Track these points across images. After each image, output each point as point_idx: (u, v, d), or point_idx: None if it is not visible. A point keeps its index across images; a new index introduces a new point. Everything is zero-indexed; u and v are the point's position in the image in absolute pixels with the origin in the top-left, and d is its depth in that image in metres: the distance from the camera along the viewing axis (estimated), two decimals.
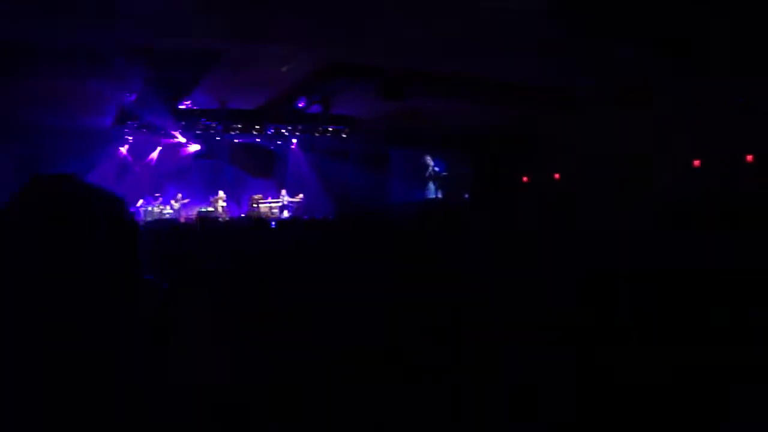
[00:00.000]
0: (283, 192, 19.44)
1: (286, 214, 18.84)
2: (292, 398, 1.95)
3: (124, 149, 18.05)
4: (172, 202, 18.32)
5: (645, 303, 2.71)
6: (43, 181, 1.32)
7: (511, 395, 2.09)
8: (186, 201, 18.47)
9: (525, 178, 21.74)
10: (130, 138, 17.60)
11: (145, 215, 17.60)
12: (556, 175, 20.82)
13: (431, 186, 22.15)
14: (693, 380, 2.05)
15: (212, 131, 16.32)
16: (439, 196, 22.18)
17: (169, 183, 19.20)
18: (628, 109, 14.93)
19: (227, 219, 16.56)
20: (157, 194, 18.64)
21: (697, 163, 16.07)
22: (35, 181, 1.32)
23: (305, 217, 18.02)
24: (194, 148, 18.81)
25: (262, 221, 13.51)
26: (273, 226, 9.77)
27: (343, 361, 2.22)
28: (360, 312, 2.79)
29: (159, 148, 18.74)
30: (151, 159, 18.93)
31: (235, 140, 18.68)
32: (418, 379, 2.16)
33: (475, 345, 2.51)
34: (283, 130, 17.17)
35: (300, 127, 16.96)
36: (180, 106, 15.36)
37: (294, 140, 19.31)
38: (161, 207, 18.19)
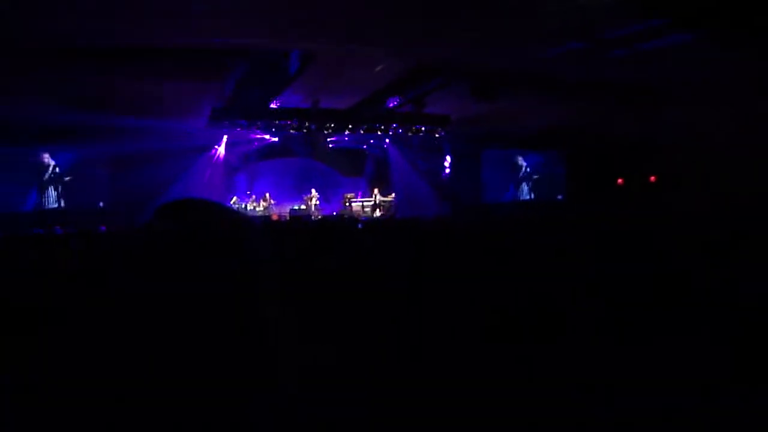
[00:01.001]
0: (375, 191, 19.51)
1: (378, 212, 18.90)
2: None
3: (219, 148, 18.42)
4: (261, 200, 18.66)
5: None
6: (177, 203, 1.39)
7: None
8: (273, 202, 18.79)
9: (620, 180, 21.18)
10: (224, 137, 17.96)
11: None
12: (652, 178, 20.19)
13: (524, 187, 21.80)
14: None
15: (305, 130, 16.46)
16: (532, 197, 21.82)
17: (261, 181, 19.56)
18: (729, 108, 14.25)
19: (319, 217, 16.74)
20: (248, 191, 19.04)
21: None
22: (169, 203, 1.35)
23: (397, 216, 18.07)
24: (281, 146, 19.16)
25: (353, 220, 13.58)
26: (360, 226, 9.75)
27: None
28: None
29: (253, 147, 19.07)
30: (244, 157, 19.30)
31: (328, 139, 18.84)
32: None
33: None
34: (377, 130, 17.14)
35: (393, 126, 16.90)
36: (272, 106, 15.54)
37: (387, 140, 19.33)
38: (254, 204, 18.57)
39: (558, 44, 10.60)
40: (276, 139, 18.47)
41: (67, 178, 16.58)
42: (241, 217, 1.40)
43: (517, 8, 8.97)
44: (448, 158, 20.27)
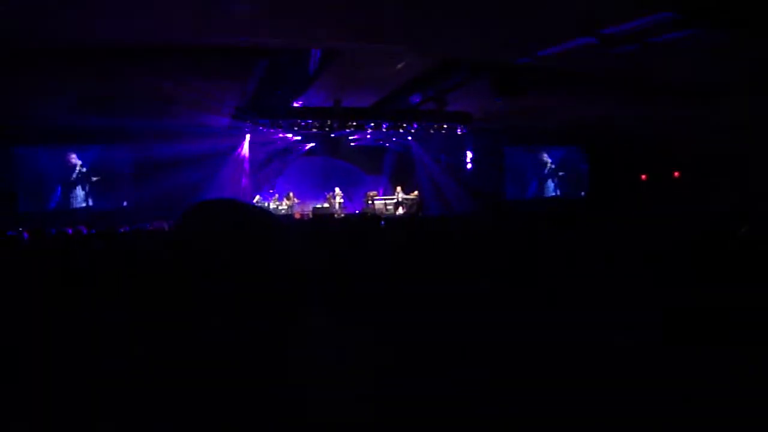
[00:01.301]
0: (398, 189, 19.54)
1: (401, 210, 18.94)
2: None
3: (243, 149, 18.50)
4: (285, 199, 18.75)
5: None
6: (209, 203, 1.45)
7: None
8: (296, 201, 18.88)
9: (643, 177, 21.03)
10: (247, 137, 18.07)
11: None
12: (676, 173, 20.02)
13: (550, 183, 21.72)
14: None
15: (327, 129, 16.52)
16: (558, 193, 21.73)
17: (283, 179, 19.65)
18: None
19: (342, 215, 16.79)
20: (271, 190, 19.15)
21: None
22: (197, 204, 1.41)
23: (424, 212, 18.12)
24: (308, 145, 19.24)
25: (375, 218, 13.61)
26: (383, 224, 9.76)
27: None
28: None
29: (275, 146, 19.15)
30: (267, 157, 19.38)
31: (350, 137, 18.90)
32: None
33: None
34: (399, 127, 17.16)
35: (415, 124, 16.91)
36: (294, 105, 15.62)
37: (409, 137, 19.33)
38: (277, 203, 18.67)
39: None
40: (299, 138, 18.55)
41: (95, 179, 16.80)
42: (268, 216, 1.44)
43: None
44: (469, 154, 20.24)
